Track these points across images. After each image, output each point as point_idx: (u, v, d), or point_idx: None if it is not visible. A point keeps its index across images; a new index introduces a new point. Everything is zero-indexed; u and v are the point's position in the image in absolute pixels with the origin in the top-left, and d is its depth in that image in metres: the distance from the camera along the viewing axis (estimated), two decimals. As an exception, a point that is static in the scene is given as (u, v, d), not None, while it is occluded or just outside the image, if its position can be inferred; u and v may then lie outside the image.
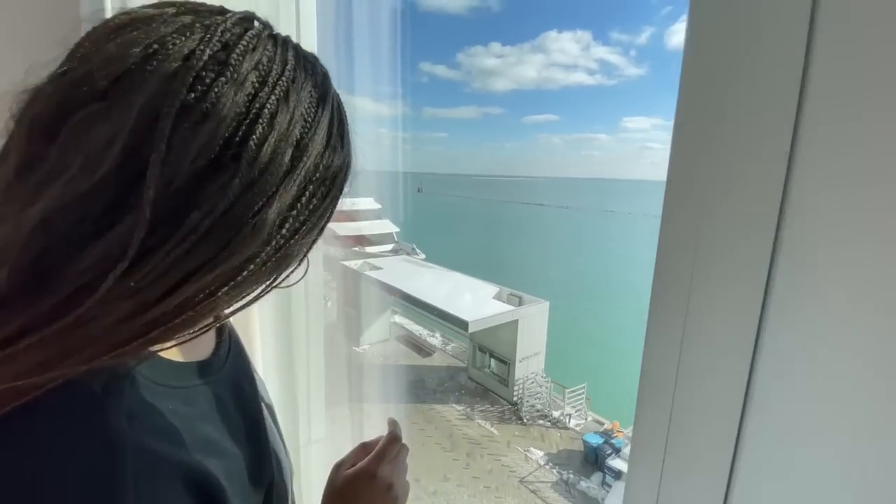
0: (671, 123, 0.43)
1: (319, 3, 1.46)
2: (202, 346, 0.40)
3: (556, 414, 9.82)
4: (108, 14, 0.74)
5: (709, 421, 0.44)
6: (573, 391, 10.02)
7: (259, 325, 1.19)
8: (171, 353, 0.34)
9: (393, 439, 0.49)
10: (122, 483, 0.26)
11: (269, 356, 1.35)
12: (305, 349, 1.46)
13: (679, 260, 0.44)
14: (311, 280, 1.44)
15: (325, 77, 0.34)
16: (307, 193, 0.31)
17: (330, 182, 0.33)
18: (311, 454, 1.61)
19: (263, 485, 0.39)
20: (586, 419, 9.86)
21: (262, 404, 0.46)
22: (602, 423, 9.55)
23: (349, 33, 1.59)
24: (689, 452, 0.46)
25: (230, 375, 0.42)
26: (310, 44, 1.19)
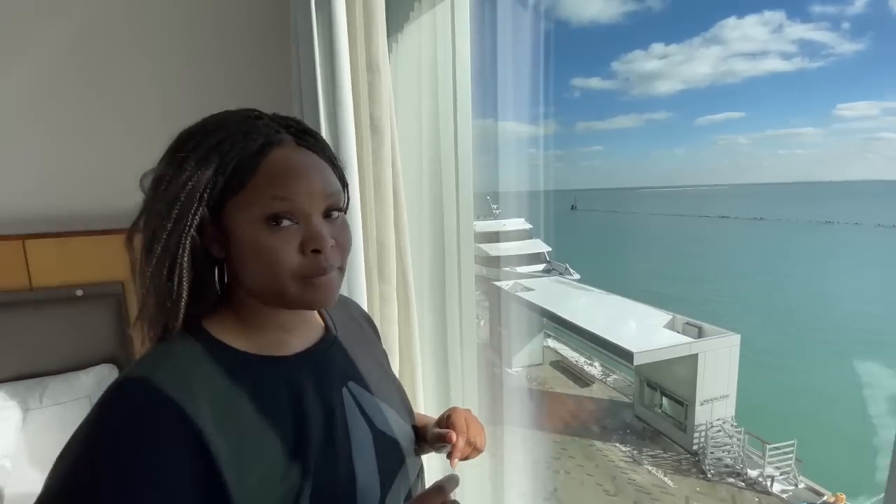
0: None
1: (472, 39, 1.49)
2: (280, 346, 0.49)
3: (752, 473, 7.97)
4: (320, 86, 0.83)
5: None
6: (777, 448, 7.99)
7: (420, 349, 1.22)
8: (239, 343, 0.46)
9: (440, 488, 0.46)
10: (126, 401, 0.39)
11: (428, 376, 1.38)
12: (460, 370, 1.46)
13: None
14: (465, 300, 1.45)
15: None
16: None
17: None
18: (465, 476, 1.59)
19: (291, 480, 0.43)
20: (796, 485, 7.74)
21: (348, 403, 0.52)
22: (820, 494, 7.36)
23: (494, 64, 1.60)
24: None
25: (319, 370, 0.51)
26: (464, 78, 1.22)
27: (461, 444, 0.57)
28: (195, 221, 0.42)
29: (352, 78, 0.86)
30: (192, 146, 0.43)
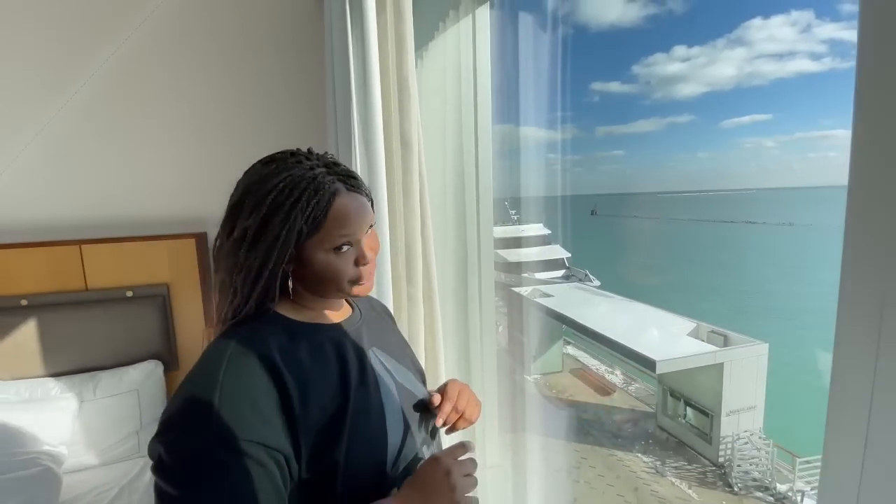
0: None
1: (493, 48, 1.56)
2: (323, 318, 0.68)
3: (781, 488, 7.69)
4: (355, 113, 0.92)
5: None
6: (808, 462, 7.69)
7: (443, 349, 1.28)
8: (295, 317, 0.65)
9: (461, 444, 0.63)
10: (224, 351, 0.57)
11: (451, 375, 1.43)
12: (481, 374, 1.51)
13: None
14: (485, 305, 1.50)
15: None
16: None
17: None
18: (487, 479, 1.62)
19: (337, 404, 0.59)
20: (831, 503, 7.41)
21: (376, 362, 0.69)
22: (859, 514, 7.01)
23: (515, 72, 1.66)
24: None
25: (352, 335, 0.68)
26: (485, 91, 1.28)
27: (447, 407, 0.72)
28: (285, 260, 0.60)
29: (383, 96, 0.93)
30: (271, 202, 0.58)
